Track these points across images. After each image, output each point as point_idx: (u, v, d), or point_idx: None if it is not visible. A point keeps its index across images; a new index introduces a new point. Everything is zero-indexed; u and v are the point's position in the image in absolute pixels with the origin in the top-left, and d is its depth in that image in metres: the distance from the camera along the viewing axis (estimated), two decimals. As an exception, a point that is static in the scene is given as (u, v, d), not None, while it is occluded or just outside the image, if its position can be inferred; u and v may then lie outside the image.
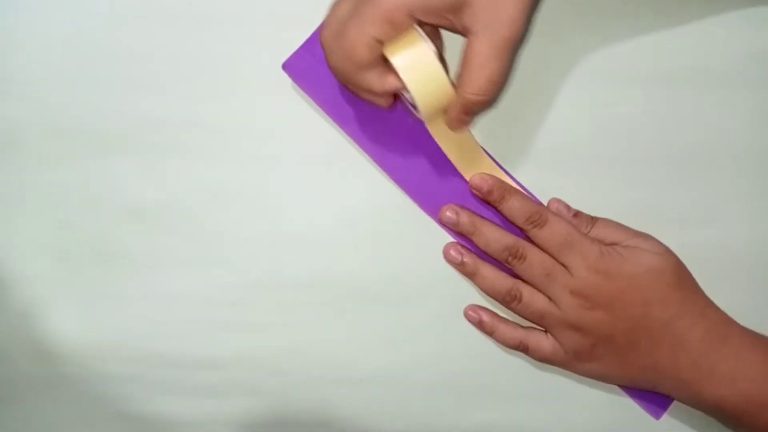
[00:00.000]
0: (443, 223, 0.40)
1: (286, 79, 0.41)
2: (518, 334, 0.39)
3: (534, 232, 0.39)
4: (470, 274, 0.39)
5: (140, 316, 0.42)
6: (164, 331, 0.42)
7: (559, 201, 0.40)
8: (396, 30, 0.32)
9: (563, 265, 0.38)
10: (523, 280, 0.39)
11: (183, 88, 0.42)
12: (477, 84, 0.33)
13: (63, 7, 0.42)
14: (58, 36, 0.42)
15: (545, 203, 0.40)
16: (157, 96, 0.42)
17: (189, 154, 0.42)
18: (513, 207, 0.39)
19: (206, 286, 0.42)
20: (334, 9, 0.34)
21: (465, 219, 0.39)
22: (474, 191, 0.40)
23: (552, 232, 0.38)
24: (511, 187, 0.40)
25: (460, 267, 0.40)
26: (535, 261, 0.38)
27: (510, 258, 0.38)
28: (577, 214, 0.40)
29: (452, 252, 0.40)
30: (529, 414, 0.43)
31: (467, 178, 0.40)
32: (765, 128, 0.43)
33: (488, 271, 0.39)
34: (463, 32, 0.33)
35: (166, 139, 0.42)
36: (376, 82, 0.34)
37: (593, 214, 0.43)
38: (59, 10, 0.42)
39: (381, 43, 0.32)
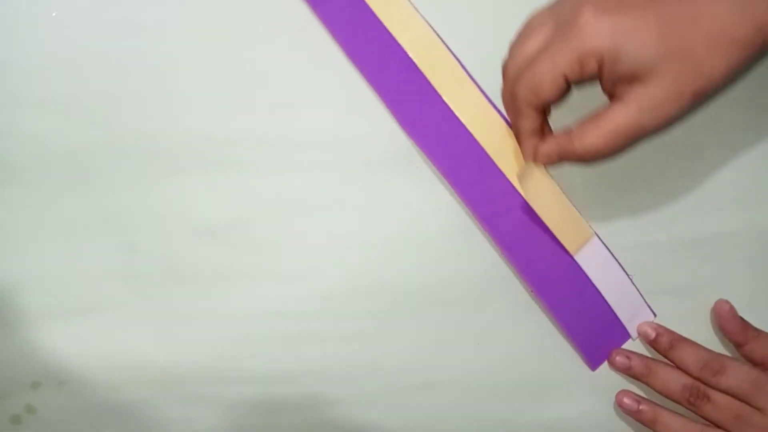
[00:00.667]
0: (615, 369, 0.41)
1: (347, 88, 0.42)
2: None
3: (715, 381, 0.38)
4: (650, 422, 0.40)
5: (214, 335, 0.42)
6: (238, 348, 0.42)
7: (728, 303, 0.41)
8: (583, 72, 0.32)
9: (755, 408, 0.38)
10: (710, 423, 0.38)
11: (243, 103, 0.42)
12: (595, 142, 0.33)
13: (125, 28, 0.42)
14: (119, 56, 0.42)
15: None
16: (217, 112, 0.42)
17: (254, 169, 0.42)
18: (684, 355, 0.40)
19: (278, 301, 0.42)
20: (530, 25, 0.35)
21: (638, 362, 0.40)
22: (641, 338, 0.41)
23: (736, 379, 0.38)
24: (679, 335, 0.41)
25: (637, 414, 0.40)
26: (721, 402, 0.38)
27: (692, 398, 0.38)
28: (743, 321, 0.41)
29: (626, 400, 0.41)
30: (602, 408, 0.43)
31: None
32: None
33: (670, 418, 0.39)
34: (610, 94, 0.33)
35: (230, 155, 0.42)
36: (530, 125, 0.35)
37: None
38: (121, 31, 0.42)
39: (567, 81, 0.33)
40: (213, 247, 0.42)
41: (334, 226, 0.43)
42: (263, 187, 0.42)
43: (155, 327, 0.42)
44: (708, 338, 0.42)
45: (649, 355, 0.42)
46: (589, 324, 0.42)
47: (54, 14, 0.42)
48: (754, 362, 0.40)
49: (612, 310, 0.42)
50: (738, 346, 0.41)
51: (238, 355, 0.42)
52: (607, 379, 0.43)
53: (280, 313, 0.42)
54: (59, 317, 0.42)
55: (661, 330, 0.41)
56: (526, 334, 0.43)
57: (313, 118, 0.43)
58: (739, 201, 0.43)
